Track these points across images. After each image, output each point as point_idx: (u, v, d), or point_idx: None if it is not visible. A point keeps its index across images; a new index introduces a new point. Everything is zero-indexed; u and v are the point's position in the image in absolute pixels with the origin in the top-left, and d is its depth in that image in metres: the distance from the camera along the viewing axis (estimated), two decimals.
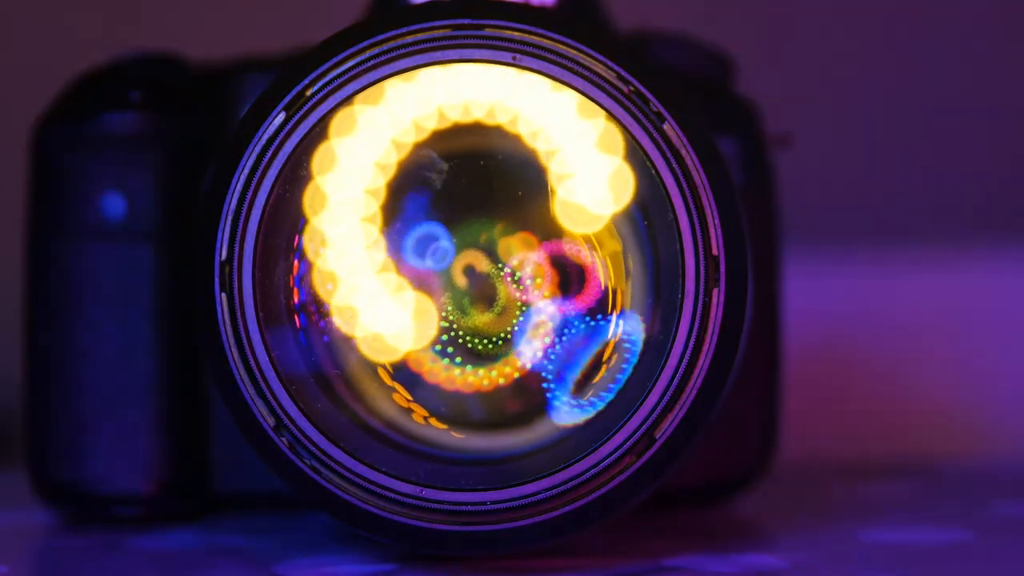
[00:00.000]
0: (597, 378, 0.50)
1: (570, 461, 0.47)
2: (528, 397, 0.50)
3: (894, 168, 0.96)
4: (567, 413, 0.50)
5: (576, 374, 0.50)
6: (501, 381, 0.50)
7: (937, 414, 0.93)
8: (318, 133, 0.49)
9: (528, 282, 0.50)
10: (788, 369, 0.61)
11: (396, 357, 0.51)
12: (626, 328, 0.49)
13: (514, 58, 0.48)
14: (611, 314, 0.50)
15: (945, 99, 0.96)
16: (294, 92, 0.48)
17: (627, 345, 0.49)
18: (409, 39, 0.48)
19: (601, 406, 0.49)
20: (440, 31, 0.48)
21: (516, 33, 0.48)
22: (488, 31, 0.48)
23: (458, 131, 0.50)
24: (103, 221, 0.56)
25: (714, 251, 0.48)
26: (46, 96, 0.58)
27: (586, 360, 0.50)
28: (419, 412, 0.50)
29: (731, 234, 0.48)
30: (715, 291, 0.47)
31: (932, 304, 0.93)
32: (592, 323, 0.50)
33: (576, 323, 0.50)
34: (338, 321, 0.50)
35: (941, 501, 0.65)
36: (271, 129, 0.48)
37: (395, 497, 0.48)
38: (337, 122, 0.49)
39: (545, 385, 0.50)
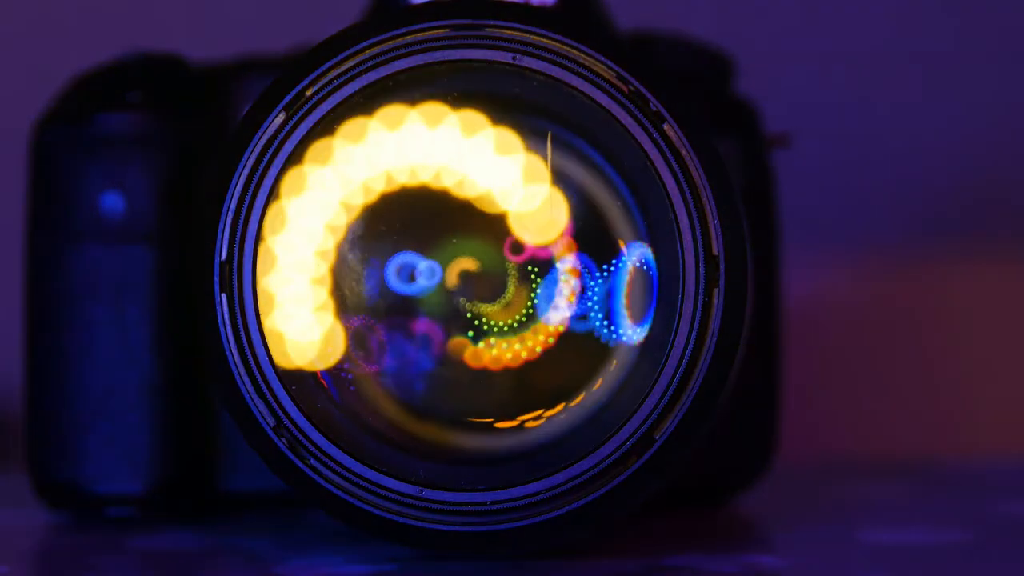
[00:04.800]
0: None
1: (570, 461, 0.47)
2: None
3: (895, 166, 0.96)
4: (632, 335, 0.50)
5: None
6: (537, 349, 0.50)
7: (937, 414, 0.93)
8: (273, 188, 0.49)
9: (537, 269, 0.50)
10: (788, 369, 0.61)
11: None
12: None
13: (514, 58, 0.48)
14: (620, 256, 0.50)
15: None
16: (294, 92, 0.48)
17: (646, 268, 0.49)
18: (409, 39, 0.48)
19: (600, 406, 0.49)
20: (440, 31, 0.48)
21: (516, 33, 0.48)
22: (489, 31, 0.48)
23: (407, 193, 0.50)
24: (102, 221, 0.56)
25: (714, 251, 0.48)
26: (46, 96, 0.58)
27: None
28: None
29: (731, 234, 0.48)
30: (715, 291, 0.47)
31: (932, 303, 0.93)
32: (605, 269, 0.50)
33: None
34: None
35: (940, 501, 0.65)
36: (271, 129, 0.48)
37: (395, 497, 0.48)
38: (288, 182, 0.49)
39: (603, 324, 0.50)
